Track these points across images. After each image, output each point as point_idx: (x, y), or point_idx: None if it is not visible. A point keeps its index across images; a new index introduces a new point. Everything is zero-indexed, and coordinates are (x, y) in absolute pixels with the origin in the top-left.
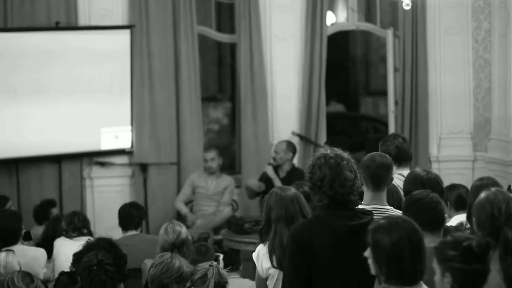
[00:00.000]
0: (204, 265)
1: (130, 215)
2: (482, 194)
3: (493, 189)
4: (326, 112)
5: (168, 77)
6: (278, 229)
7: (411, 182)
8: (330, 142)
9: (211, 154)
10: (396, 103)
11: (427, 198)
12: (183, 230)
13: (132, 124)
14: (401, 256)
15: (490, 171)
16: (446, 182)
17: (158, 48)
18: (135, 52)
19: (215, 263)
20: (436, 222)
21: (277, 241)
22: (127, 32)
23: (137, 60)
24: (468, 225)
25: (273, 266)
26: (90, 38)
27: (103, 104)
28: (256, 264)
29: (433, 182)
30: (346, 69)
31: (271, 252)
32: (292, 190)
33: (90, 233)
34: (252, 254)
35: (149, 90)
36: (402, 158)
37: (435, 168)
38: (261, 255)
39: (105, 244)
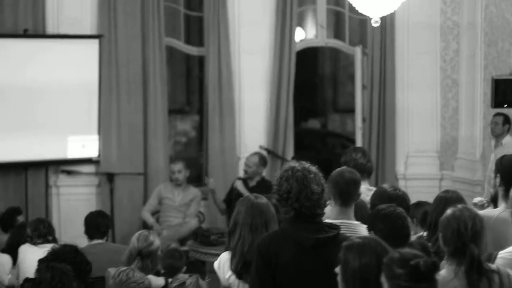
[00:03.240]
0: (184, 276)
1: (97, 224)
2: (449, 211)
3: (459, 206)
4: (297, 128)
5: (136, 87)
6: (242, 234)
7: (378, 197)
8: (298, 157)
9: (178, 166)
10: (363, 120)
11: (394, 214)
12: (156, 242)
13: (99, 133)
14: (368, 278)
15: (457, 190)
16: (413, 200)
17: (126, 58)
18: (103, 62)
19: (196, 275)
20: (402, 238)
21: (239, 246)
22: (95, 42)
23: (105, 69)
24: (425, 235)
25: (231, 269)
26: (58, 46)
27: (70, 112)
28: (218, 273)
29: (400, 199)
30: (314, 86)
31: (232, 256)
32: (264, 200)
33: (55, 240)
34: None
35: (116, 100)
36: (361, 172)
37: (402, 186)
38: (222, 264)
39: (70, 251)
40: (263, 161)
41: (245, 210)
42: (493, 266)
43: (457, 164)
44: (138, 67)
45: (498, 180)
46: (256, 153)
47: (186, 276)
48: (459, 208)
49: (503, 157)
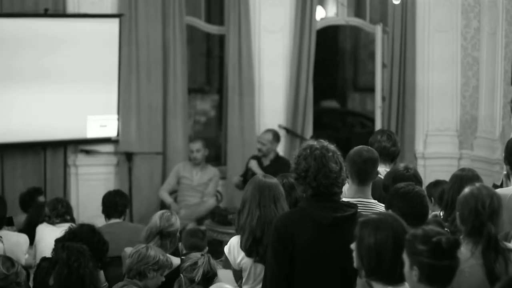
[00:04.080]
0: (196, 254)
1: (114, 203)
2: (467, 189)
3: (477, 184)
4: (316, 107)
5: (156, 67)
6: (250, 210)
7: (390, 177)
8: (317, 136)
9: (197, 145)
10: (383, 99)
11: (413, 192)
12: (177, 224)
13: (118, 113)
14: (383, 254)
15: (476, 169)
16: (431, 179)
17: (146, 38)
18: (123, 41)
19: (207, 254)
20: (421, 217)
21: (247, 222)
22: (115, 21)
23: (125, 49)
24: (442, 214)
25: (240, 247)
26: (79, 26)
27: (90, 92)
28: (228, 257)
29: (411, 179)
30: (335, 65)
31: (241, 234)
32: (273, 180)
33: (72, 220)
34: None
35: (136, 80)
36: (383, 155)
37: (420, 165)
38: (232, 247)
39: (88, 230)
40: (276, 138)
41: (253, 187)
42: (510, 245)
43: (476, 143)
44: (158, 47)
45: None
46: (269, 130)
47: (198, 255)
48: (477, 187)
49: (509, 141)
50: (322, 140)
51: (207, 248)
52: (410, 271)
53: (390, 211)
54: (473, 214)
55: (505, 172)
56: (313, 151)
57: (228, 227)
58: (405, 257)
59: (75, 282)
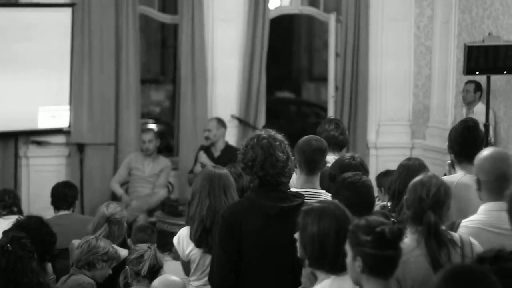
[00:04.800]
0: (143, 247)
1: (63, 195)
2: (419, 177)
3: (430, 173)
4: (271, 97)
5: (109, 57)
6: (200, 200)
7: (336, 167)
8: (269, 126)
9: (149, 135)
10: (336, 88)
11: (360, 182)
12: (123, 212)
13: (70, 104)
14: (326, 243)
15: (428, 159)
16: (383, 169)
17: (99, 27)
18: (75, 31)
19: (153, 246)
20: (367, 207)
21: (197, 212)
22: (68, 10)
23: (77, 38)
24: (390, 204)
25: (190, 238)
26: (31, 15)
27: (41, 82)
28: (177, 249)
29: (358, 168)
30: (290, 54)
31: (191, 225)
32: (223, 170)
33: (20, 212)
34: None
35: (88, 70)
36: (331, 144)
37: (373, 155)
38: (181, 239)
39: (36, 223)
40: (221, 124)
41: (202, 178)
42: (456, 235)
43: (429, 132)
44: (111, 36)
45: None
46: (213, 118)
47: (145, 247)
48: (428, 175)
49: (451, 128)
50: (269, 130)
51: (155, 244)
52: (353, 262)
53: (336, 200)
54: (417, 201)
55: (449, 161)
56: (260, 140)
57: (178, 218)
58: (347, 248)
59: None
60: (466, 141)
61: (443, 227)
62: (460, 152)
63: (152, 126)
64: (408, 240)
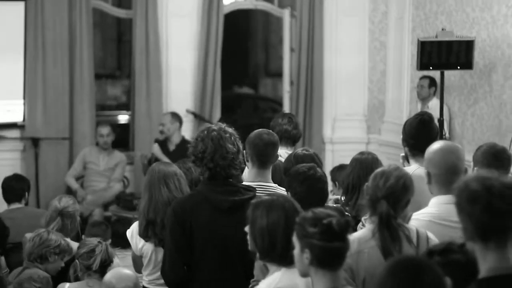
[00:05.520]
0: (93, 241)
1: (11, 188)
2: (383, 167)
3: (394, 165)
4: (228, 92)
5: (62, 51)
6: (143, 196)
7: (290, 160)
8: (224, 120)
9: (106, 129)
10: (291, 83)
11: (316, 176)
12: (76, 206)
13: (24, 98)
14: (276, 235)
15: (383, 154)
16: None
17: (53, 21)
18: (29, 25)
19: (104, 242)
20: (319, 202)
21: (141, 208)
22: (21, 4)
23: (30, 32)
24: (343, 198)
25: (139, 234)
26: None
27: None
28: (130, 242)
29: (309, 159)
30: (246, 50)
31: (138, 221)
32: (168, 165)
33: None
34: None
35: (42, 64)
36: (284, 138)
37: (328, 150)
38: (134, 233)
39: None
40: (176, 117)
41: (146, 174)
42: (412, 228)
43: (384, 127)
44: (64, 30)
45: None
46: (168, 112)
47: (95, 241)
48: (394, 166)
49: (406, 122)
50: (220, 123)
51: (110, 240)
52: (301, 254)
53: (285, 193)
54: (373, 189)
55: (403, 154)
56: (210, 132)
57: (133, 212)
58: (295, 240)
59: None
60: (420, 134)
61: (399, 220)
62: (415, 145)
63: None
64: (365, 230)
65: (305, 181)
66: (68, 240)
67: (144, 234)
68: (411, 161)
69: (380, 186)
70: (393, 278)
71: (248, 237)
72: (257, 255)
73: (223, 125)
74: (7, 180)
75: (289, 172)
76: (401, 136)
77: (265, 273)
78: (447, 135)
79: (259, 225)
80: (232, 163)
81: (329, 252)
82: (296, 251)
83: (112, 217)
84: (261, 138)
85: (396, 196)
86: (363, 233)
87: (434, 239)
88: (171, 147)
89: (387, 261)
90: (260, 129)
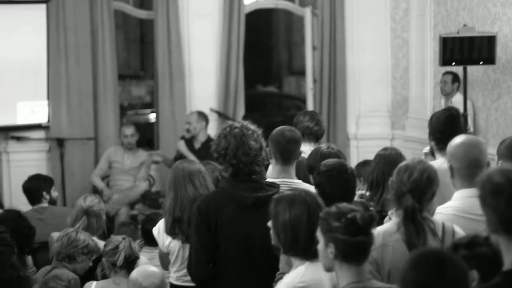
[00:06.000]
0: (118, 238)
1: (28, 190)
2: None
3: (419, 158)
4: (252, 91)
5: (85, 52)
6: (169, 194)
7: (313, 157)
8: (248, 118)
9: (131, 129)
10: (314, 81)
11: (347, 174)
12: (101, 204)
13: (48, 99)
14: (298, 230)
15: (408, 149)
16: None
17: (74, 23)
18: (51, 27)
19: (128, 238)
20: (349, 197)
21: (167, 205)
22: (43, 7)
23: (53, 34)
24: (368, 194)
25: (165, 232)
26: (6, 12)
27: (19, 78)
28: (157, 240)
29: (334, 157)
30: (269, 49)
31: (164, 219)
32: (195, 165)
33: (1, 206)
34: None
35: (65, 65)
36: (306, 134)
37: (353, 146)
38: (162, 230)
39: (13, 216)
40: (202, 117)
41: (171, 172)
42: (438, 222)
43: (408, 123)
44: (86, 32)
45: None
46: (194, 111)
47: (119, 238)
48: (418, 160)
49: (433, 114)
50: (242, 121)
51: (139, 240)
52: (325, 249)
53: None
54: (398, 183)
55: (425, 151)
56: (233, 129)
57: (159, 210)
58: (319, 235)
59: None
60: (448, 129)
61: (425, 213)
62: (441, 139)
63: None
64: (390, 224)
65: (337, 178)
66: (96, 239)
67: (171, 231)
68: (437, 155)
69: (405, 181)
70: (416, 271)
71: (271, 232)
72: (280, 249)
73: (246, 122)
74: (25, 183)
75: (317, 170)
76: (427, 130)
77: (291, 265)
78: (471, 129)
79: (282, 220)
80: (255, 159)
81: (353, 246)
82: (321, 246)
83: (139, 216)
84: (284, 135)
85: (421, 190)
86: (388, 226)
87: (460, 233)
88: (197, 145)
89: (410, 254)
90: (282, 126)
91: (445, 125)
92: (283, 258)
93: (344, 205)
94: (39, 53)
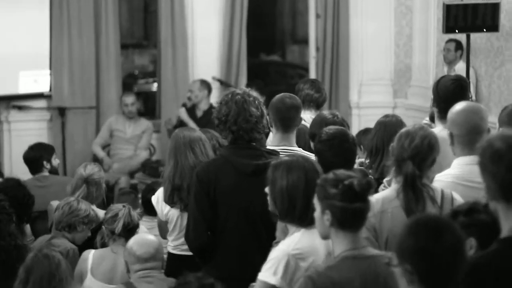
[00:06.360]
0: (118, 206)
1: (28, 159)
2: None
3: (420, 125)
4: (255, 60)
5: (88, 21)
6: (169, 162)
7: (317, 124)
8: (251, 86)
9: (131, 98)
10: (317, 49)
11: (348, 143)
12: (101, 173)
13: (50, 68)
14: (295, 196)
15: (410, 118)
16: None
17: None
18: None
19: (128, 206)
20: (348, 166)
21: (166, 173)
22: None
23: (56, 4)
24: (367, 161)
25: (164, 200)
26: None
27: (22, 47)
28: (156, 208)
29: (338, 125)
30: (273, 17)
31: (163, 187)
32: (195, 133)
33: (2, 175)
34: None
35: (68, 34)
36: (307, 101)
37: (355, 114)
38: (161, 199)
39: (13, 185)
40: (205, 85)
41: (170, 140)
42: (438, 189)
43: (411, 91)
44: (89, 1)
45: (432, 101)
46: (198, 79)
47: (120, 206)
48: (419, 126)
49: (439, 80)
50: (244, 87)
51: (139, 209)
52: (321, 216)
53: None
54: (399, 150)
55: (425, 121)
56: (234, 96)
57: (159, 179)
58: (316, 202)
59: None
60: (455, 100)
61: (424, 180)
62: (446, 109)
63: None
64: (389, 190)
65: (340, 145)
66: (95, 208)
67: (170, 200)
68: (437, 122)
69: (406, 147)
70: (413, 237)
71: (268, 198)
72: (277, 216)
73: (247, 89)
74: (25, 153)
75: (318, 137)
76: (431, 97)
77: (286, 234)
78: (473, 97)
79: (279, 186)
80: (255, 126)
81: (350, 213)
82: (317, 213)
83: (139, 185)
84: (284, 102)
85: (422, 156)
86: (387, 193)
87: (459, 200)
88: (199, 113)
89: (408, 220)
90: (282, 93)
91: (454, 95)
92: (279, 226)
93: (341, 171)
94: (42, 22)
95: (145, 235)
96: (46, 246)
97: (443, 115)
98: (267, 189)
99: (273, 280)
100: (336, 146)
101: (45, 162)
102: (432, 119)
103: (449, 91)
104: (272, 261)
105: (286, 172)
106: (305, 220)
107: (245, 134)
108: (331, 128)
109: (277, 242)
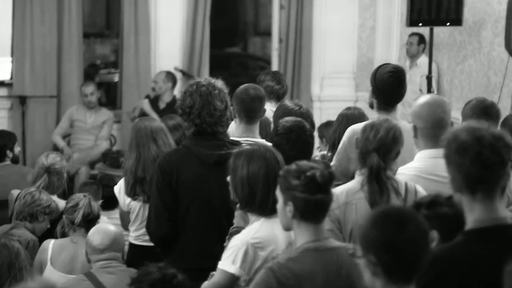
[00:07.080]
0: (79, 196)
1: None
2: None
3: (383, 117)
4: (218, 51)
5: (50, 9)
6: (131, 153)
7: (281, 115)
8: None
9: (90, 88)
10: (280, 41)
11: (306, 136)
12: (63, 162)
13: (12, 56)
14: (255, 185)
15: (371, 111)
16: None
17: None
18: None
19: (89, 196)
20: (306, 159)
21: (128, 165)
22: None
23: None
24: (329, 154)
25: (125, 193)
26: None
27: None
28: (118, 198)
29: (304, 117)
30: (235, 8)
31: (124, 179)
32: (152, 120)
33: None
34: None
35: (30, 22)
36: (267, 93)
37: (316, 107)
38: (123, 189)
39: None
40: (170, 77)
41: (131, 131)
42: (401, 182)
43: None
44: None
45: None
46: (163, 71)
47: (81, 196)
48: (385, 118)
49: (376, 70)
50: (210, 78)
51: (101, 201)
52: (284, 207)
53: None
54: (363, 142)
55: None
56: (199, 87)
57: (119, 170)
58: (278, 193)
59: None
60: (394, 93)
61: (388, 172)
62: (385, 101)
63: None
64: (353, 182)
65: (296, 140)
66: (55, 197)
67: (131, 192)
68: (376, 112)
69: (371, 139)
70: (376, 229)
71: (229, 187)
72: (237, 205)
73: (213, 80)
74: None
75: (276, 128)
76: (370, 86)
77: (246, 220)
78: (435, 92)
79: (240, 175)
80: (219, 120)
81: (312, 204)
82: (279, 205)
83: (99, 175)
84: (248, 93)
85: (386, 148)
86: (351, 185)
87: (422, 192)
88: (162, 105)
89: (372, 212)
90: (247, 84)
91: (393, 88)
92: (237, 213)
93: (304, 163)
94: (4, 10)
95: (105, 225)
96: (5, 236)
97: (382, 106)
98: (228, 178)
99: (232, 269)
100: (293, 140)
101: (8, 151)
102: (372, 106)
103: (388, 84)
104: (231, 249)
105: (247, 161)
106: (265, 210)
107: (208, 127)
108: (288, 121)
109: (236, 228)
